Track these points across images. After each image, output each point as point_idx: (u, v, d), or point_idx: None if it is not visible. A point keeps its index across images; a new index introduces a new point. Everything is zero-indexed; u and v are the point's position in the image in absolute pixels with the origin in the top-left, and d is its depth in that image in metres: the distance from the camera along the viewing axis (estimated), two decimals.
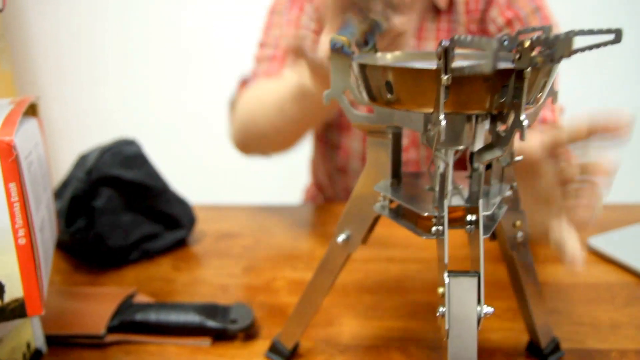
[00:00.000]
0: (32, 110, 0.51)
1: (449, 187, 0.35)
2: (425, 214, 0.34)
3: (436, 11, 0.86)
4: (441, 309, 0.32)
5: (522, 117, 0.28)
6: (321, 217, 0.82)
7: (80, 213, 0.64)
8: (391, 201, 0.38)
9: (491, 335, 0.52)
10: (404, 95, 0.30)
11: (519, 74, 0.28)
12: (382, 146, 0.38)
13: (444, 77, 0.27)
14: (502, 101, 0.29)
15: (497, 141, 0.31)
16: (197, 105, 1.96)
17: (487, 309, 0.32)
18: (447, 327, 0.32)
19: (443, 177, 0.34)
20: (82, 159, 0.70)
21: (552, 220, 0.43)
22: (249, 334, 0.52)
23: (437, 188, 0.34)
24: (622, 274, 0.64)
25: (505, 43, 0.28)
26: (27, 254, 0.37)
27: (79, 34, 1.97)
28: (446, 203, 0.33)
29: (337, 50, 0.34)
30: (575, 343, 0.51)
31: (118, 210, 0.66)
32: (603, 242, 0.69)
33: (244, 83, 0.89)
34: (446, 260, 0.33)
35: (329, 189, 1.01)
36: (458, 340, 0.32)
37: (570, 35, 0.27)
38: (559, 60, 0.29)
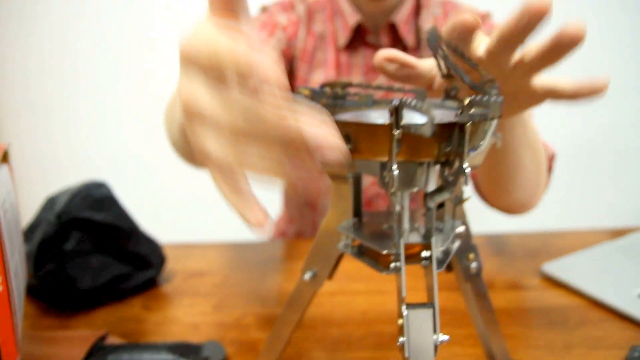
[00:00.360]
0: (3, 157, 0.52)
1: (405, 226, 0.38)
2: (385, 252, 0.37)
3: (404, 49, 0.91)
4: (401, 339, 0.35)
5: (465, 164, 0.32)
6: (289, 253, 0.84)
7: (49, 256, 0.65)
8: (354, 240, 0.41)
9: (448, 351, 0.55)
10: (362, 146, 0.34)
11: (462, 127, 0.32)
12: (344, 190, 0.40)
13: (396, 132, 0.31)
14: (447, 150, 0.33)
15: (446, 185, 0.34)
16: (166, 146, 1.97)
17: (443, 337, 0.35)
18: (407, 355, 0.34)
19: (399, 217, 0.37)
20: (50, 202, 0.71)
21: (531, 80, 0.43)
22: None
23: (395, 227, 0.38)
24: (574, 298, 0.68)
25: (446, 103, 0.32)
26: (4, 301, 0.38)
27: (44, 74, 1.97)
28: (402, 241, 0.36)
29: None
30: None
31: (88, 253, 0.66)
32: (555, 268, 0.73)
33: None
34: (404, 294, 0.35)
35: (299, 222, 1.04)
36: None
37: (499, 100, 0.31)
38: (491, 119, 0.33)
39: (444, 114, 0.36)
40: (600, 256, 0.77)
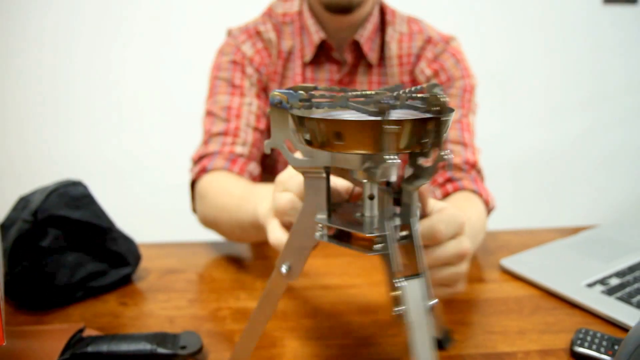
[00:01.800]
0: None
1: (370, 212, 0.43)
2: (368, 235, 0.41)
3: (368, 65, 0.95)
4: (398, 308, 0.40)
5: (446, 152, 0.38)
6: (260, 252, 0.86)
7: (25, 253, 0.66)
8: (329, 229, 0.44)
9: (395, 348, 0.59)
10: (351, 140, 0.37)
11: (437, 121, 0.37)
12: (319, 183, 0.44)
13: (388, 127, 0.35)
14: (424, 141, 0.37)
15: (423, 172, 0.41)
16: (142, 148, 1.98)
17: (433, 301, 0.41)
18: (407, 319, 0.39)
19: (382, 203, 0.42)
20: (24, 201, 0.72)
21: None
22: (198, 359, 0.56)
23: (367, 214, 0.43)
24: (529, 289, 0.73)
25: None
26: None
27: (16, 76, 1.95)
28: (387, 223, 0.41)
29: (276, 105, 0.40)
30: (487, 348, 0.58)
31: (64, 250, 0.68)
32: (512, 263, 0.78)
33: (201, 161, 0.89)
34: (394, 269, 0.40)
35: None
36: (416, 329, 0.39)
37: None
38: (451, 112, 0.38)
39: (409, 112, 0.41)
40: (553, 252, 0.82)
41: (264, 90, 0.97)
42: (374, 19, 0.94)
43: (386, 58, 0.96)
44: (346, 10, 0.87)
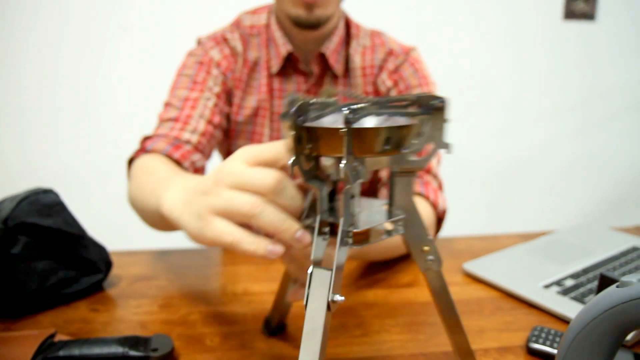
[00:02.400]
0: None
1: (323, 207, 0.47)
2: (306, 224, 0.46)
3: (333, 76, 0.99)
4: (305, 292, 0.42)
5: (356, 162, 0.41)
6: (229, 258, 0.88)
7: None
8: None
9: (382, 346, 0.61)
10: (322, 145, 0.42)
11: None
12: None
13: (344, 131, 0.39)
14: (386, 148, 0.41)
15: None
16: (113, 156, 1.97)
17: (339, 297, 0.41)
18: (305, 303, 0.42)
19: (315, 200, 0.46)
20: None
21: None
22: None
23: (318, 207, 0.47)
24: (489, 291, 0.76)
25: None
26: None
27: None
28: (318, 218, 0.45)
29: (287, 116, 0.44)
30: (449, 347, 0.61)
31: (35, 257, 0.68)
32: (474, 266, 0.82)
33: (145, 142, 0.89)
34: (312, 257, 0.44)
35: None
36: (311, 314, 0.41)
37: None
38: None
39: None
40: (513, 256, 0.86)
41: (227, 93, 0.99)
42: (340, 32, 0.97)
43: (350, 69, 0.99)
44: (314, 26, 0.90)
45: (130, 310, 0.70)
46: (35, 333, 0.60)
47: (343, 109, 0.40)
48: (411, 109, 0.45)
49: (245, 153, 0.48)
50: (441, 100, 0.44)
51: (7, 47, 1.90)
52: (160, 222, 0.69)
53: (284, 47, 0.96)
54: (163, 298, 0.73)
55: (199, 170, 0.91)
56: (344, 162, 0.40)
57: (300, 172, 0.43)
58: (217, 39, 1.00)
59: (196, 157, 0.90)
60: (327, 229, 0.46)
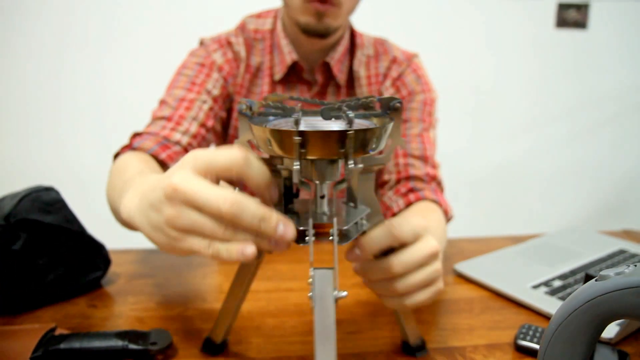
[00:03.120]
0: None
1: (320, 209, 0.49)
2: (300, 228, 0.46)
3: (336, 86, 1.01)
4: (310, 294, 0.44)
5: (350, 162, 0.43)
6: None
7: None
8: None
9: (375, 342, 0.63)
10: (277, 147, 0.43)
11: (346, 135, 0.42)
12: (277, 180, 0.50)
13: (297, 138, 0.41)
14: (342, 151, 0.42)
15: (346, 177, 0.46)
16: (112, 156, 1.99)
17: (341, 293, 0.43)
18: (313, 305, 0.43)
19: (313, 202, 0.48)
20: None
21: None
22: (168, 354, 0.59)
23: (318, 210, 0.48)
24: (480, 291, 0.78)
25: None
26: None
27: None
28: (311, 221, 0.46)
29: (242, 112, 0.47)
30: (439, 344, 0.63)
31: (35, 253, 0.70)
32: (465, 267, 0.84)
33: (134, 138, 0.88)
34: (311, 259, 0.45)
35: None
36: (320, 313, 0.43)
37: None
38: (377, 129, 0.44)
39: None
40: (502, 257, 0.88)
41: (226, 97, 0.99)
42: (345, 42, 0.99)
43: (354, 79, 1.01)
44: (322, 35, 0.91)
45: (128, 307, 0.71)
46: (37, 327, 0.61)
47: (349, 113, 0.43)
48: (374, 111, 0.49)
49: (195, 160, 0.45)
50: (399, 101, 0.47)
51: (11, 46, 1.91)
52: (128, 226, 0.63)
53: (289, 55, 0.97)
54: (160, 295, 0.75)
55: None
56: (296, 165, 0.43)
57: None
58: (221, 41, 1.00)
59: None
60: (313, 231, 0.47)
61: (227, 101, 1.00)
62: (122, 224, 0.73)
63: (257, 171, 0.45)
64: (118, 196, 0.61)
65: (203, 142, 0.94)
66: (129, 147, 0.86)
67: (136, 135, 0.89)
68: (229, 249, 0.43)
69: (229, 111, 1.02)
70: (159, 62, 1.94)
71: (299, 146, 0.41)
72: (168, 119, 0.91)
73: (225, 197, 0.41)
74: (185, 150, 0.90)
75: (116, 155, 0.87)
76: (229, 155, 0.44)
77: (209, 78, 0.97)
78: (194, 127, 0.91)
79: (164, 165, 0.85)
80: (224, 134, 1.04)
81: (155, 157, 0.84)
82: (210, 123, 0.95)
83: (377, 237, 0.51)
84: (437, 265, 0.54)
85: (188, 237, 0.44)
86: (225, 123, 1.03)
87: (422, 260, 0.52)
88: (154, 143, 0.86)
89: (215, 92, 0.97)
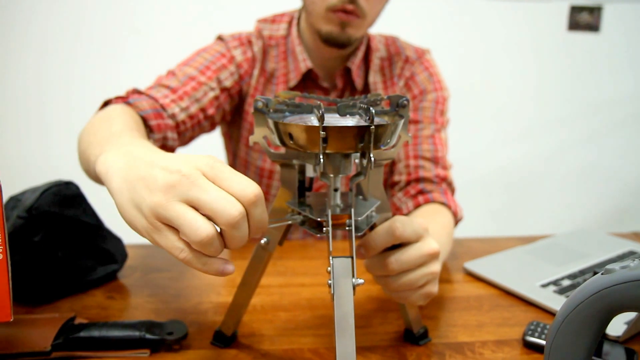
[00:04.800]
0: None
1: (337, 202, 0.50)
2: (318, 219, 0.48)
3: (353, 91, 1.02)
4: (329, 281, 0.45)
5: (371, 155, 0.45)
6: (238, 253, 0.91)
7: (18, 248, 0.69)
8: (299, 213, 0.51)
9: (385, 337, 0.64)
10: (300, 141, 0.45)
11: (369, 130, 0.44)
12: (291, 174, 0.52)
13: (322, 133, 0.43)
14: (361, 145, 0.44)
15: (361, 170, 0.47)
16: None
17: (359, 280, 0.45)
18: (332, 292, 0.45)
19: (330, 194, 0.50)
20: (14, 200, 0.75)
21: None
22: (184, 345, 0.60)
23: (332, 203, 0.50)
24: (489, 289, 0.79)
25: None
26: (3, 267, 0.44)
27: (5, 78, 1.97)
28: (329, 211, 0.48)
29: (258, 109, 0.49)
30: (449, 339, 0.64)
31: (55, 245, 0.72)
32: (475, 266, 0.84)
33: (132, 93, 0.86)
34: (331, 249, 0.46)
35: None
36: (340, 300, 0.44)
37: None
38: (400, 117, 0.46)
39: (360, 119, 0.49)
40: (512, 257, 0.89)
41: (237, 94, 0.99)
42: (363, 47, 1.00)
43: (370, 83, 1.01)
44: (343, 45, 0.91)
45: (145, 299, 0.73)
46: (57, 316, 0.63)
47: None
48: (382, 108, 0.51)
49: (212, 170, 0.42)
50: (406, 99, 0.49)
51: (28, 40, 1.95)
52: (95, 177, 0.58)
53: (303, 63, 0.97)
54: (175, 288, 0.76)
55: (165, 148, 0.84)
56: (320, 159, 0.44)
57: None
58: (242, 39, 1.00)
59: (171, 135, 0.86)
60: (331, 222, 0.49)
61: (236, 97, 1.00)
62: (86, 172, 0.70)
63: (259, 217, 0.43)
64: (98, 144, 0.58)
65: (196, 126, 0.92)
66: (123, 100, 0.82)
67: (135, 91, 0.87)
68: (211, 264, 0.42)
69: (240, 111, 1.02)
70: (172, 60, 1.97)
71: (322, 140, 0.43)
72: (172, 90, 0.89)
73: (236, 209, 0.40)
74: (177, 126, 0.87)
75: (107, 103, 0.83)
76: (245, 185, 0.41)
77: (224, 69, 0.96)
78: (193, 108, 0.90)
79: (149, 132, 0.81)
80: (237, 134, 1.06)
81: (145, 121, 0.81)
82: (210, 111, 0.93)
83: (380, 235, 0.53)
84: (434, 267, 0.56)
85: (166, 231, 0.41)
86: (237, 123, 1.04)
87: (420, 261, 0.54)
88: (150, 107, 0.83)
89: (227, 83, 0.96)
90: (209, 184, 0.41)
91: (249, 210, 0.41)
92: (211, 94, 0.93)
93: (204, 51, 0.97)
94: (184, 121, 0.88)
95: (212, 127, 0.99)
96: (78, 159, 0.72)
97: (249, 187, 0.41)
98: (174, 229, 0.41)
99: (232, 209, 0.40)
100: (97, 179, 0.56)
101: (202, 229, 0.40)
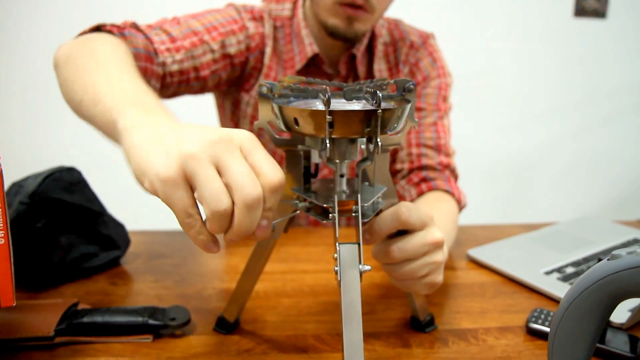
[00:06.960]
0: None
1: (343, 188, 0.49)
2: (324, 205, 0.48)
3: (356, 78, 1.00)
4: (336, 268, 0.45)
5: (378, 140, 0.44)
6: (241, 239, 0.91)
7: (20, 233, 0.69)
8: (304, 199, 0.51)
9: (389, 323, 0.64)
10: (306, 126, 0.44)
11: (376, 114, 0.43)
12: (297, 160, 0.51)
13: (328, 117, 0.42)
14: (368, 130, 0.44)
15: (368, 155, 0.47)
16: None
17: (366, 267, 0.45)
18: (339, 278, 0.45)
19: (335, 180, 0.49)
20: (16, 186, 0.75)
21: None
22: (186, 330, 0.60)
23: (337, 189, 0.50)
24: (492, 276, 0.79)
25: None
26: (5, 252, 0.44)
27: (10, 68, 1.96)
28: (336, 197, 0.47)
29: (263, 94, 0.48)
30: (453, 325, 0.64)
31: (58, 231, 0.72)
32: (478, 253, 0.84)
33: (129, 27, 0.81)
34: (337, 235, 0.46)
35: None
36: (346, 286, 0.44)
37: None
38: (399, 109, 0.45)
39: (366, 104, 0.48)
40: (515, 244, 0.89)
41: (240, 65, 0.94)
42: (369, 33, 0.99)
43: (375, 70, 1.00)
44: (351, 40, 0.90)
45: (148, 285, 0.73)
46: (60, 302, 0.63)
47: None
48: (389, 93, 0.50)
49: (250, 144, 0.41)
50: (413, 83, 0.49)
51: (30, 32, 1.94)
52: (86, 114, 0.56)
53: (310, 47, 0.94)
54: (178, 275, 0.76)
55: None
56: (326, 143, 0.44)
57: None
58: (254, 14, 0.96)
59: (154, 83, 0.81)
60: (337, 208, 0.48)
61: (238, 68, 0.94)
62: (69, 102, 0.65)
63: (271, 204, 0.42)
64: (95, 70, 0.59)
65: (184, 84, 0.86)
66: (119, 30, 0.77)
67: (133, 25, 0.82)
68: (202, 233, 0.42)
69: (242, 83, 0.97)
70: None
71: (328, 125, 0.42)
72: (171, 38, 0.84)
73: (277, 178, 0.40)
74: (163, 76, 0.82)
75: (99, 28, 0.78)
76: (274, 170, 0.41)
77: (232, 34, 0.91)
78: (187, 64, 0.85)
79: None
80: (233, 109, 1.01)
81: (133, 59, 0.74)
82: (204, 73, 0.88)
83: (385, 220, 0.52)
84: (437, 257, 0.55)
85: (183, 190, 0.39)
86: (233, 95, 0.99)
87: (423, 250, 0.53)
88: (143, 47, 0.79)
89: (231, 50, 0.91)
90: (241, 156, 0.40)
91: (266, 196, 0.40)
92: (209, 56, 0.88)
93: (216, 11, 0.92)
94: (171, 73, 0.83)
95: (201, 91, 0.93)
96: (59, 83, 0.67)
97: (278, 174, 0.40)
98: (190, 189, 0.40)
99: (255, 187, 0.39)
100: (87, 116, 0.56)
101: (225, 201, 0.39)
